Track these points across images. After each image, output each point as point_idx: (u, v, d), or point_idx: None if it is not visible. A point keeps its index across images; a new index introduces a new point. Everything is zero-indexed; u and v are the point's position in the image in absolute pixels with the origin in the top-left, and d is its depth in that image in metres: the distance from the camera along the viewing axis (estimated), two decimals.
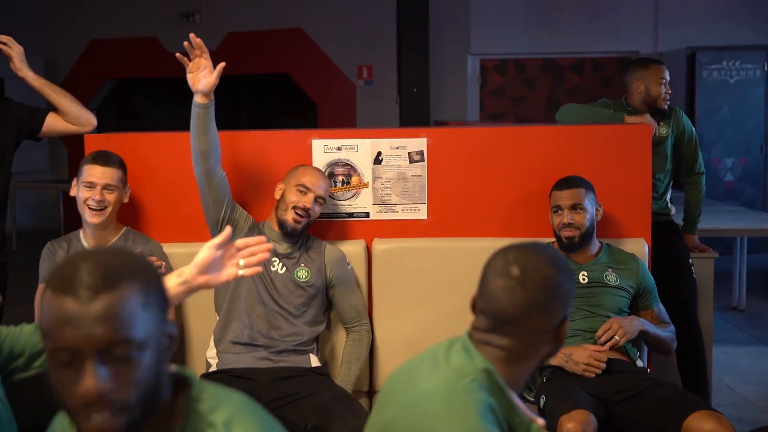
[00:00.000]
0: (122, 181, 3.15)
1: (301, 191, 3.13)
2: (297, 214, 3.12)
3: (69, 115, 3.42)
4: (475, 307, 1.64)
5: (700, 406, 2.79)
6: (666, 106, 3.99)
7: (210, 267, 1.92)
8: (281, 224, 3.16)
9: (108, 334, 1.15)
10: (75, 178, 3.15)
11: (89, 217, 3.09)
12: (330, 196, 3.40)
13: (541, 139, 3.48)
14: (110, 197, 3.10)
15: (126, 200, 3.20)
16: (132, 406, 1.17)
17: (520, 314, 1.56)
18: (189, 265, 1.93)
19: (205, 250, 1.92)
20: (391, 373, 1.73)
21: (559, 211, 3.19)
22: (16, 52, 3.35)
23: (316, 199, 3.14)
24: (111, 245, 3.15)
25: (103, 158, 3.11)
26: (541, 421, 1.58)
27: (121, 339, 1.15)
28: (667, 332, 3.19)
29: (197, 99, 3.09)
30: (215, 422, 1.23)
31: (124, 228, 3.24)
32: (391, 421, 1.58)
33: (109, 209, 3.11)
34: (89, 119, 3.46)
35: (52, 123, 3.46)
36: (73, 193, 3.16)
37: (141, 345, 1.17)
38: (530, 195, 3.41)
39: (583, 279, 3.17)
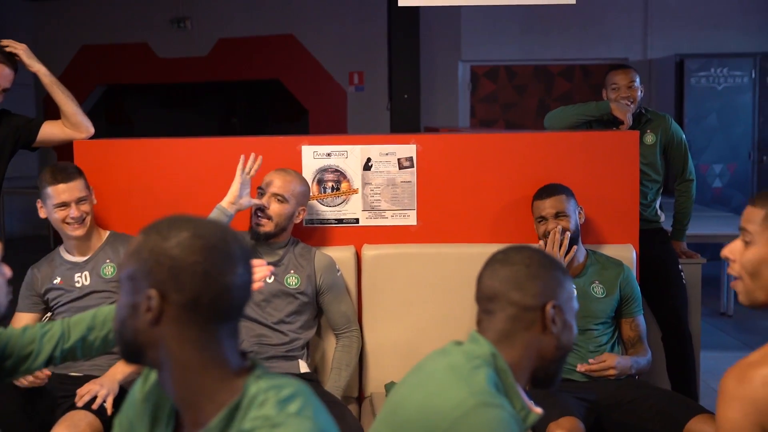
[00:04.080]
0: (87, 187, 3.14)
1: (260, 193, 3.16)
2: (257, 215, 3.13)
3: (71, 119, 3.41)
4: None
5: (701, 410, 2.80)
6: (627, 114, 3.85)
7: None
8: (252, 233, 3.16)
9: None
10: (39, 200, 3.12)
11: (72, 230, 3.10)
12: (320, 202, 3.42)
13: (530, 146, 3.49)
14: (85, 208, 3.11)
15: (95, 202, 3.20)
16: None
17: (499, 287, 1.65)
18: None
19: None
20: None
21: (543, 221, 3.20)
22: (21, 49, 3.36)
23: (275, 196, 3.13)
24: (98, 252, 3.16)
25: (62, 174, 3.07)
26: (539, 410, 1.63)
27: None
28: (645, 361, 3.19)
29: (228, 208, 3.08)
30: (268, 400, 1.30)
31: (108, 232, 3.25)
32: (400, 402, 1.63)
33: (89, 218, 3.12)
34: (88, 127, 3.46)
35: (48, 131, 3.46)
36: (43, 215, 3.14)
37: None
38: (520, 201, 3.43)
39: None
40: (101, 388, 2.83)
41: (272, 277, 3.14)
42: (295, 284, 3.15)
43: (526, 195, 3.39)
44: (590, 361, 3.05)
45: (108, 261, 3.14)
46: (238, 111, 11.80)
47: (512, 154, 3.47)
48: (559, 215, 3.17)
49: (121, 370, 2.94)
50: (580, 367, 3.05)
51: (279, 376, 1.37)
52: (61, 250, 3.20)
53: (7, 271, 1.79)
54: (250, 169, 3.14)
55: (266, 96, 11.09)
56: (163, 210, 3.39)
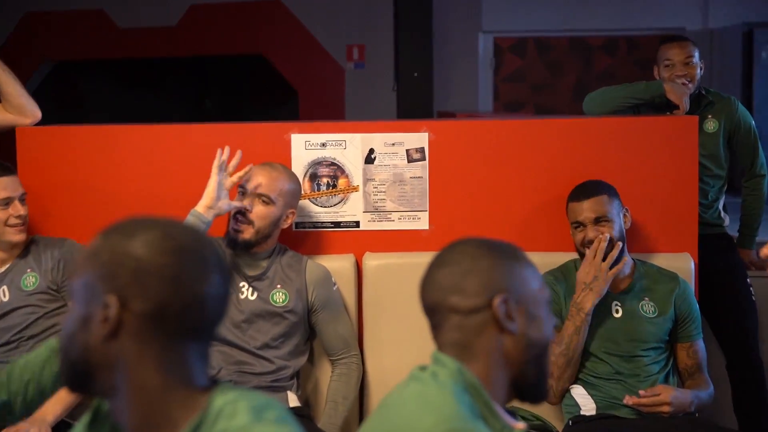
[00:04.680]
0: (20, 185, 3.23)
1: (240, 192, 3.17)
2: (236, 219, 3.14)
3: (13, 101, 3.41)
4: None
5: None
6: (684, 96, 3.85)
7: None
8: (229, 240, 3.16)
9: None
10: None
11: (14, 235, 3.17)
12: (312, 202, 3.43)
13: (566, 134, 3.49)
14: (25, 208, 3.19)
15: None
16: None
17: (436, 295, 1.68)
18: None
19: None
20: None
21: (581, 228, 3.20)
22: None
23: (259, 197, 3.14)
24: (17, 261, 3.21)
25: (1, 166, 3.18)
26: (521, 425, 1.64)
27: None
28: (706, 394, 3.19)
29: (205, 213, 3.06)
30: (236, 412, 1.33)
31: (29, 237, 3.28)
32: None
33: (25, 226, 3.20)
34: (34, 111, 3.47)
35: None
36: None
37: None
38: (553, 201, 3.43)
39: (617, 312, 3.17)
40: (30, 428, 2.85)
41: (255, 294, 3.15)
42: (283, 301, 3.16)
43: (560, 195, 3.38)
44: (641, 392, 3.05)
45: (29, 270, 3.19)
46: (213, 92, 11.82)
47: (543, 144, 3.47)
48: (600, 220, 3.17)
49: (52, 409, 2.95)
50: (628, 400, 3.04)
51: (248, 389, 1.40)
52: None
53: None
54: (229, 166, 3.14)
55: (247, 74, 11.11)
56: (121, 211, 3.39)
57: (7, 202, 3.14)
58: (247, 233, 3.14)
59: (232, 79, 11.46)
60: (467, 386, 1.61)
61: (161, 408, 1.35)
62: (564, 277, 3.23)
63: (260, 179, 3.16)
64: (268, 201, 3.15)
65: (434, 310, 1.69)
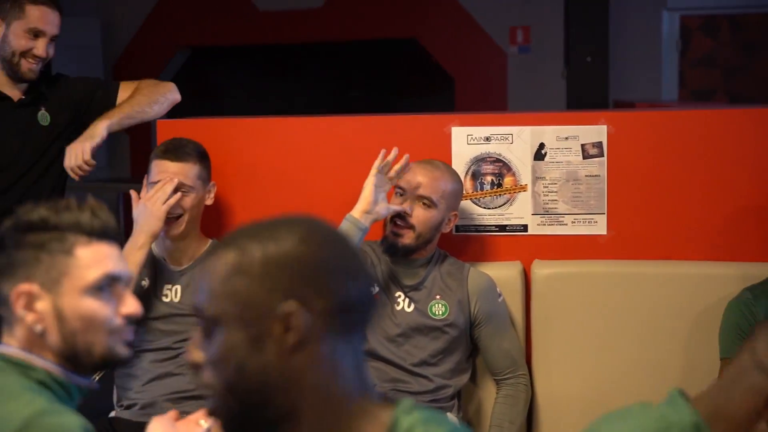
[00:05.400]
0: (201, 178, 3.27)
1: (398, 194, 3.19)
2: (395, 223, 3.17)
3: (158, 115, 3.59)
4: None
5: None
6: None
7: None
8: (386, 242, 3.20)
9: None
10: (145, 177, 3.30)
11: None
12: (474, 203, 3.45)
13: (767, 126, 3.42)
14: (186, 201, 3.22)
15: (210, 201, 3.33)
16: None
17: None
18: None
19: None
20: None
21: None
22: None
23: (420, 200, 3.16)
24: (197, 262, 3.28)
25: (174, 151, 3.24)
26: None
27: None
28: None
29: (362, 219, 3.11)
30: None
31: (210, 241, 3.36)
32: None
33: (186, 216, 3.23)
34: (173, 98, 3.63)
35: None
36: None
37: None
38: (754, 204, 3.37)
39: None
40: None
41: (411, 306, 3.19)
42: (443, 314, 3.18)
43: (763, 195, 3.32)
44: None
45: None
46: (358, 80, 11.92)
47: (739, 137, 3.41)
48: None
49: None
50: None
51: (433, 410, 1.41)
52: (153, 247, 3.31)
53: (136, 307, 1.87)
54: (392, 170, 3.16)
55: (398, 61, 11.18)
56: (263, 205, 3.48)
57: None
58: (408, 238, 3.17)
59: (381, 67, 11.55)
60: None
61: (347, 423, 1.37)
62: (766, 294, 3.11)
63: (420, 179, 3.18)
64: (429, 204, 3.17)
65: None
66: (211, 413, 1.40)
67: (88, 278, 1.78)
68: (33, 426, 1.65)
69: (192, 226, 3.27)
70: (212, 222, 3.45)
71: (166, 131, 3.55)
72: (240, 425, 1.39)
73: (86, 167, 3.34)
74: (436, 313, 3.18)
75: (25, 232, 1.78)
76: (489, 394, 3.33)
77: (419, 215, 3.16)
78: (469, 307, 3.21)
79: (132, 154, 10.33)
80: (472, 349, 3.28)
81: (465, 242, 3.46)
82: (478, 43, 9.56)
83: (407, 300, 3.20)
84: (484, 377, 3.35)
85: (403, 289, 3.21)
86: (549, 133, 3.44)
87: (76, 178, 3.39)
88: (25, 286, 1.75)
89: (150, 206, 3.13)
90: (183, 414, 3.10)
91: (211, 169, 3.32)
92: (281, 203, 3.50)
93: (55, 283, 1.76)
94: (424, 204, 3.17)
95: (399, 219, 3.17)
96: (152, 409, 3.10)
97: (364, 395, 1.40)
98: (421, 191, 3.17)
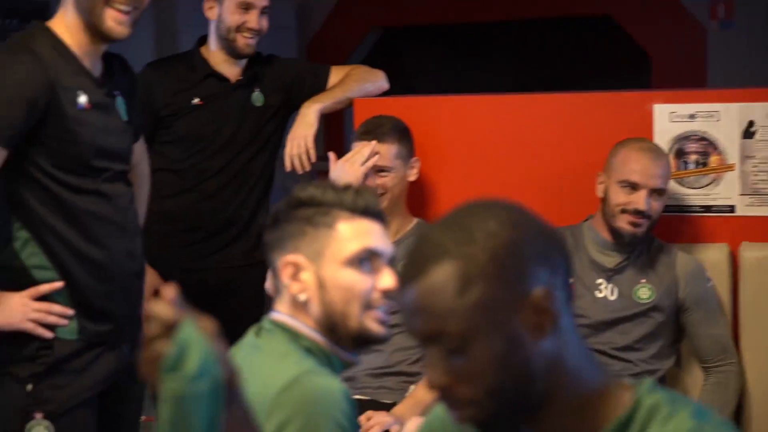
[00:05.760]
0: (401, 156, 3.33)
1: (624, 187, 3.13)
2: (632, 218, 3.12)
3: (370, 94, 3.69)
4: None
5: None
6: None
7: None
8: (614, 232, 3.17)
9: None
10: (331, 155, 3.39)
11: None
12: (678, 183, 3.40)
13: None
14: (386, 181, 3.29)
15: (413, 177, 3.38)
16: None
17: None
18: None
19: None
20: None
21: None
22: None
23: (654, 193, 3.13)
24: (403, 238, 3.31)
25: (373, 131, 3.32)
26: None
27: None
28: None
29: None
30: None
31: (415, 220, 3.41)
32: None
33: (388, 195, 3.28)
34: (382, 86, 3.71)
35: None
36: None
37: None
38: None
39: None
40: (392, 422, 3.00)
41: (615, 292, 3.19)
42: (648, 297, 3.17)
43: None
44: None
45: None
46: (551, 59, 11.84)
47: None
48: None
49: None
50: None
51: (674, 391, 1.41)
52: None
53: None
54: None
55: (590, 38, 11.05)
56: (463, 185, 3.50)
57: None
58: (644, 227, 3.13)
59: (572, 45, 11.45)
60: None
61: (593, 401, 1.38)
62: None
63: (653, 169, 3.13)
64: (661, 194, 3.15)
65: None
66: (461, 421, 1.38)
67: (347, 250, 1.91)
68: (300, 382, 1.80)
69: (395, 203, 3.33)
70: (416, 200, 3.51)
71: (364, 110, 3.61)
72: (496, 422, 1.38)
73: (306, 158, 3.48)
74: (642, 296, 3.17)
75: (295, 208, 1.94)
76: (695, 381, 3.30)
77: (655, 207, 3.14)
78: (677, 291, 3.18)
79: (325, 134, 10.51)
80: (677, 334, 3.25)
81: (668, 223, 3.39)
82: (676, 18, 9.34)
83: (610, 287, 3.20)
84: (690, 363, 3.32)
85: (605, 273, 3.20)
86: (759, 111, 3.36)
87: (299, 170, 3.49)
88: (291, 257, 1.91)
89: (348, 168, 3.21)
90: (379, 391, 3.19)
91: (413, 145, 3.38)
92: (483, 182, 3.52)
93: (318, 254, 1.91)
94: (658, 194, 3.14)
95: (638, 214, 3.11)
96: (353, 383, 3.17)
97: (604, 372, 1.41)
98: (660, 183, 3.14)
